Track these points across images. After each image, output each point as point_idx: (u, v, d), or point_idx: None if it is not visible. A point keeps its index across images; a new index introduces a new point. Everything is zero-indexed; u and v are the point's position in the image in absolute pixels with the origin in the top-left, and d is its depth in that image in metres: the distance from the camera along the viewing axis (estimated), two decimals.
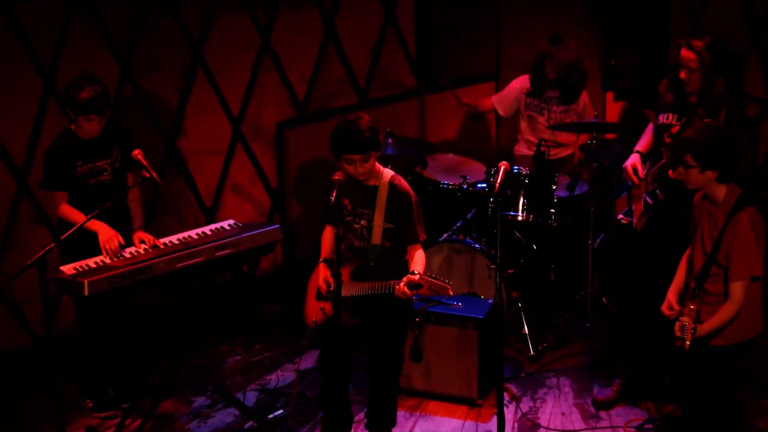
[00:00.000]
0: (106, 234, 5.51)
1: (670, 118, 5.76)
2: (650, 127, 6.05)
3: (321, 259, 5.29)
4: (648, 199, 5.74)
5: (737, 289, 4.71)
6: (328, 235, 5.36)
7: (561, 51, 7.21)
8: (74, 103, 5.51)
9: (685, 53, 5.63)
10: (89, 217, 5.34)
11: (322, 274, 5.21)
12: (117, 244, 5.49)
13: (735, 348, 4.83)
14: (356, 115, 5.09)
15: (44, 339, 6.47)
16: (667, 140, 5.67)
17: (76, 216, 5.54)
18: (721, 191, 4.78)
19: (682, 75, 5.64)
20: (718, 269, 4.76)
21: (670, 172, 5.19)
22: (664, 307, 4.94)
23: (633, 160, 5.93)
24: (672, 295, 4.96)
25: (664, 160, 5.63)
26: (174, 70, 6.99)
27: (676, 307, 4.87)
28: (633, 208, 5.81)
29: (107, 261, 5.34)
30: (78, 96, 5.47)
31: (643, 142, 6.03)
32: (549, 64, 7.28)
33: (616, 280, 6.72)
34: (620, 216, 5.99)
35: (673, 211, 5.64)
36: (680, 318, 4.74)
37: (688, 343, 4.67)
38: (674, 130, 5.63)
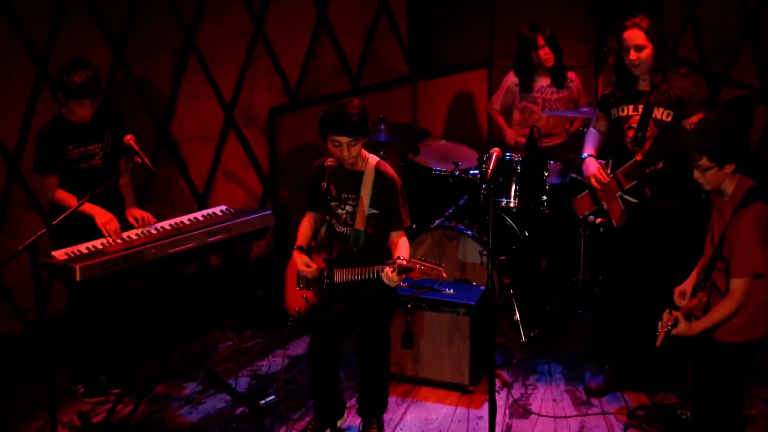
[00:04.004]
0: (104, 216, 5.51)
1: (626, 110, 5.60)
2: (592, 131, 5.91)
3: (296, 246, 5.26)
4: (628, 197, 5.65)
5: (736, 285, 4.61)
6: (306, 222, 5.34)
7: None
8: (66, 88, 5.49)
9: (632, 33, 5.45)
10: (81, 202, 5.32)
11: (299, 261, 5.19)
12: (116, 224, 5.49)
13: (748, 345, 4.74)
14: (347, 99, 5.09)
15: (36, 325, 6.46)
16: (630, 133, 5.57)
17: (71, 201, 5.52)
18: (731, 185, 4.66)
19: (632, 56, 5.44)
20: (723, 263, 4.69)
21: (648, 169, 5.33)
22: (677, 290, 4.91)
23: (594, 167, 5.72)
24: (689, 282, 4.91)
25: (638, 158, 5.51)
26: (167, 56, 6.97)
27: (689, 295, 4.84)
28: (606, 207, 5.74)
29: (99, 246, 5.33)
30: (70, 80, 5.45)
31: (592, 146, 5.84)
32: (534, 52, 7.29)
33: (601, 273, 6.70)
34: (590, 217, 5.92)
35: (662, 205, 5.63)
36: (663, 316, 4.73)
37: (659, 341, 4.64)
38: (633, 120, 5.57)
